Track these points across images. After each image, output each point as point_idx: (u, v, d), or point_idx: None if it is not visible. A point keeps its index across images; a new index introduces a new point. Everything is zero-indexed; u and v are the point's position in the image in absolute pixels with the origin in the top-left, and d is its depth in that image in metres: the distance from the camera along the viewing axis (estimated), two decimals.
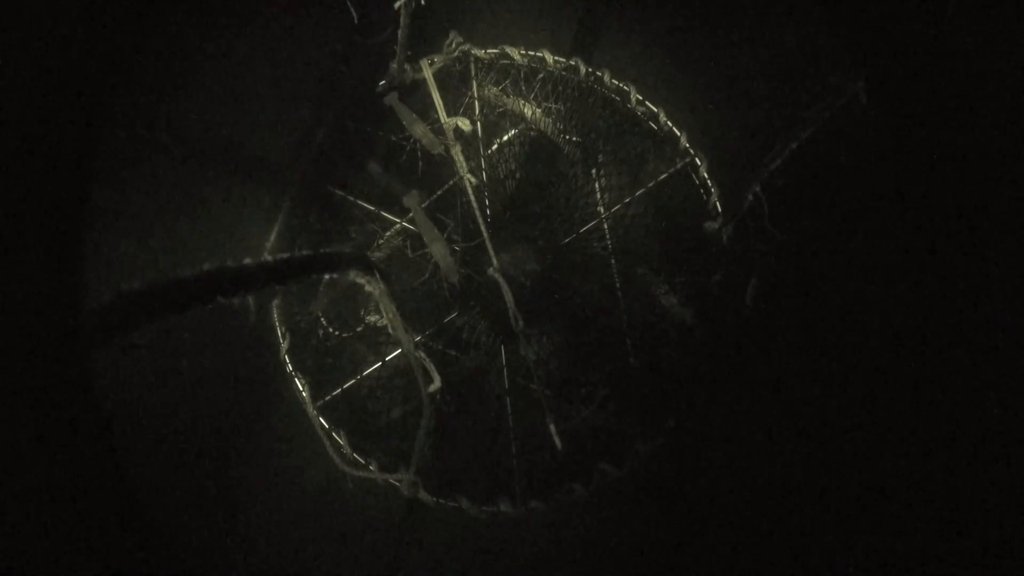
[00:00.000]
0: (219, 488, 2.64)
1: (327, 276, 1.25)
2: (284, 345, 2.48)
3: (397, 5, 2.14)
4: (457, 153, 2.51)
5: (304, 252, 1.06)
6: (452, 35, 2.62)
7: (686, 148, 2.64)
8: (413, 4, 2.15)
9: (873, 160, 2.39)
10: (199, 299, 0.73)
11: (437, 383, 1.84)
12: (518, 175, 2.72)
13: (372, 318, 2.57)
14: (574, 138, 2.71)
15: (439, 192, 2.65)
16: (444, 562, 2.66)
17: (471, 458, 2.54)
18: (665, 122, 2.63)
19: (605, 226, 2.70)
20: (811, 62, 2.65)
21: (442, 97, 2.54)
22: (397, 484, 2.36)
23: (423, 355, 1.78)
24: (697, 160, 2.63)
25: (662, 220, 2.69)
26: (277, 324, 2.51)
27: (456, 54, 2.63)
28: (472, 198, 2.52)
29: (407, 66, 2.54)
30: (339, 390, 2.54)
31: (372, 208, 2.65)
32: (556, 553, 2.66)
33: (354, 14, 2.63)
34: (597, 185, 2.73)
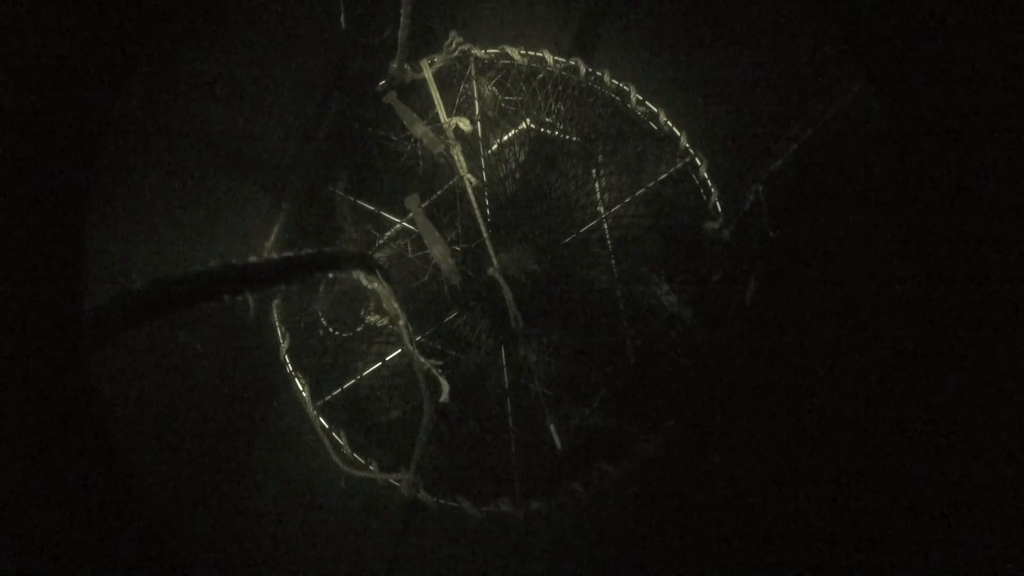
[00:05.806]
0: (218, 489, 2.64)
1: (329, 275, 1.25)
2: (284, 345, 2.47)
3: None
4: (457, 153, 2.52)
5: (307, 251, 1.06)
6: (452, 35, 2.62)
7: (686, 148, 2.64)
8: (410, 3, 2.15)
9: (875, 160, 2.39)
10: (203, 296, 0.73)
11: (446, 391, 1.83)
12: (518, 175, 2.73)
13: (372, 318, 2.57)
14: (574, 138, 2.71)
15: (439, 192, 2.65)
16: (444, 562, 2.66)
17: (471, 458, 2.54)
18: (665, 122, 2.63)
19: (605, 226, 2.70)
20: (812, 61, 2.66)
21: (442, 97, 2.54)
22: (397, 484, 2.35)
23: (429, 361, 1.76)
24: (697, 160, 2.63)
25: (662, 220, 2.69)
26: (277, 324, 2.50)
27: (456, 54, 2.63)
28: (472, 198, 2.52)
29: (407, 66, 2.54)
30: (339, 390, 2.54)
31: (372, 208, 2.65)
32: (556, 553, 2.66)
33: (343, 21, 2.63)
34: (597, 185, 2.73)
